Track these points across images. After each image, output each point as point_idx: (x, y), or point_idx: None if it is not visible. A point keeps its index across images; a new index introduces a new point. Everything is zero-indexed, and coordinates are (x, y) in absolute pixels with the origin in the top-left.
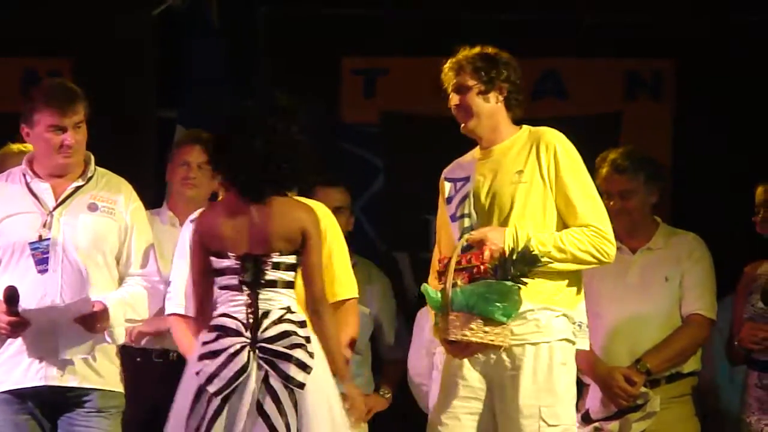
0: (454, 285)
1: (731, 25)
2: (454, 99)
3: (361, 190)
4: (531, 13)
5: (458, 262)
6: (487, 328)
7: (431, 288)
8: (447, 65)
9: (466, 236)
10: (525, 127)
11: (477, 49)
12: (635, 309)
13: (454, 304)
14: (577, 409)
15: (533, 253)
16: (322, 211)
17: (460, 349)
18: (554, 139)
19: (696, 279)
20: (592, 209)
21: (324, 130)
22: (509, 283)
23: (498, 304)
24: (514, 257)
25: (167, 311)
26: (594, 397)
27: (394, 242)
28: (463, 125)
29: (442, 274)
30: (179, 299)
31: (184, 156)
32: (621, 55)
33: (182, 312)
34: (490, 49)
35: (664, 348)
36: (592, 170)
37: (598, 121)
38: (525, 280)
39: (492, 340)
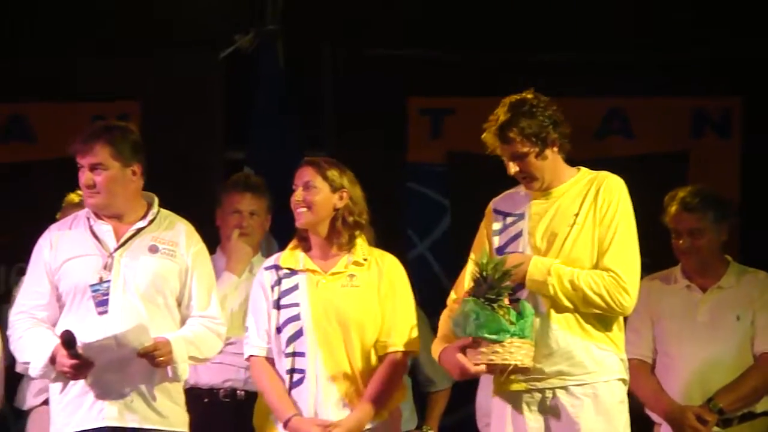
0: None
1: None
2: (512, 168)
3: (428, 229)
4: (596, 52)
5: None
6: (484, 349)
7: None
8: (490, 132)
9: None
10: (583, 170)
11: (509, 108)
12: (706, 348)
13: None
14: None
15: (498, 275)
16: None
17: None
18: (614, 183)
19: None
20: (621, 257)
21: (391, 170)
22: (471, 299)
23: (474, 322)
24: (484, 276)
25: (245, 354)
26: None
27: None
28: (526, 185)
29: None
30: (256, 341)
31: (236, 204)
32: (687, 93)
33: (261, 354)
34: (521, 102)
35: (737, 387)
36: (660, 210)
37: (665, 160)
38: (496, 297)
39: (495, 360)
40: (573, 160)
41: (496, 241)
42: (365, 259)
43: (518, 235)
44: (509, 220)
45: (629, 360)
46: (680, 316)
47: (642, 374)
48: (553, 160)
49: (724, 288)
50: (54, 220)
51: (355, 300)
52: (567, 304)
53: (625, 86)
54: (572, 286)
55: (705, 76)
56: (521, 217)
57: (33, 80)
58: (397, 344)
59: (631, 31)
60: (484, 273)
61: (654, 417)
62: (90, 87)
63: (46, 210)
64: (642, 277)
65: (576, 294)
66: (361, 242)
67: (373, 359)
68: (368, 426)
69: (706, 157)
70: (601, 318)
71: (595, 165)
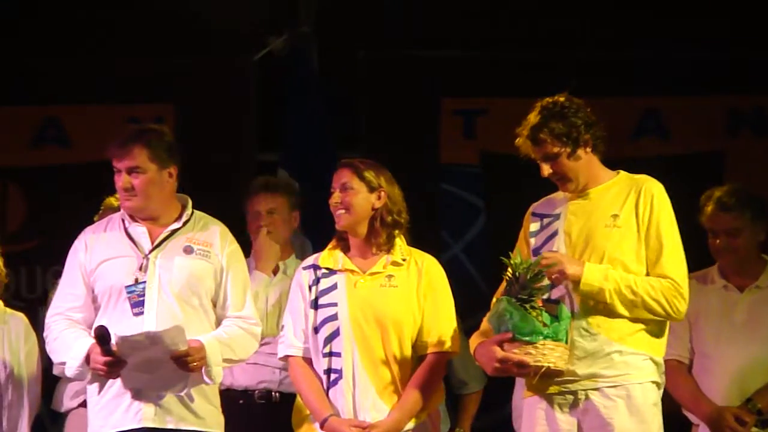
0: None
1: None
2: (546, 169)
3: (462, 230)
4: (631, 51)
5: None
6: (516, 350)
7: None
8: (522, 136)
9: (540, 257)
10: (622, 172)
11: (541, 111)
12: (744, 348)
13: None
14: None
15: (532, 274)
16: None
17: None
18: (655, 188)
19: None
20: (675, 263)
21: (424, 171)
22: (504, 298)
23: (508, 322)
24: (517, 276)
25: (280, 354)
26: None
27: (496, 282)
28: (561, 187)
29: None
30: (293, 341)
31: (255, 206)
32: (722, 92)
33: (298, 354)
34: (549, 104)
35: None
36: (696, 209)
37: (700, 160)
38: (528, 297)
39: (529, 361)
40: (609, 160)
41: (533, 242)
42: (404, 259)
43: (554, 235)
44: (546, 221)
45: (666, 361)
46: (718, 317)
47: (679, 375)
48: (587, 161)
49: (761, 287)
50: (89, 223)
51: (393, 300)
52: (622, 310)
53: (660, 86)
54: (631, 292)
55: (740, 74)
56: (557, 217)
57: (66, 83)
58: (437, 345)
59: (666, 30)
60: (517, 273)
61: (692, 418)
62: (123, 90)
63: (81, 213)
64: None
65: (635, 299)
66: (400, 242)
67: (412, 359)
68: (407, 427)
69: (743, 155)
70: (636, 321)
71: (631, 165)
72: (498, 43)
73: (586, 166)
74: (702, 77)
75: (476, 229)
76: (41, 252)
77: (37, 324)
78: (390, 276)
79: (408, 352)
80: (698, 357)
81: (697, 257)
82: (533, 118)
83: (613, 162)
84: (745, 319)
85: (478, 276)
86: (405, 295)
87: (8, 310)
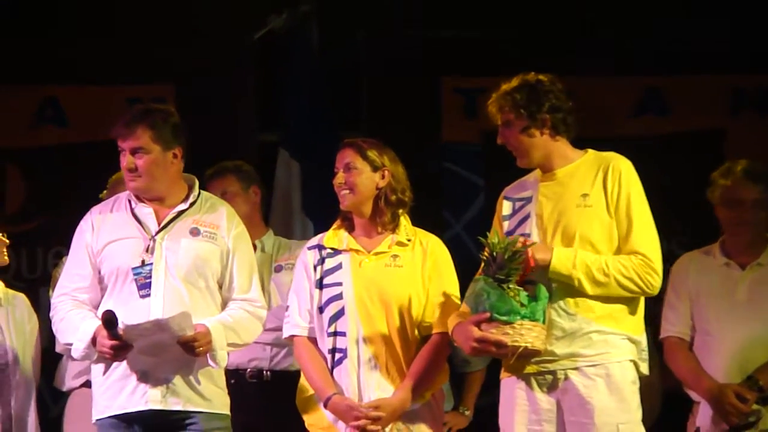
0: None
1: None
2: (499, 137)
3: (463, 209)
4: (633, 30)
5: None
6: (494, 330)
7: None
8: (490, 100)
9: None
10: (590, 151)
11: (516, 81)
12: (745, 325)
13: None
14: (688, 428)
15: (509, 254)
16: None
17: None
18: (622, 164)
19: None
20: (646, 238)
21: (425, 150)
22: (481, 278)
23: (485, 302)
24: (494, 256)
25: (285, 333)
26: (705, 415)
27: None
28: (518, 161)
29: None
30: (298, 320)
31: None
32: (725, 71)
33: (303, 333)
34: (531, 77)
35: None
36: (695, 186)
37: (702, 138)
38: (505, 277)
39: (506, 341)
40: (609, 138)
41: (506, 226)
42: (409, 240)
43: (526, 218)
44: (518, 204)
45: (667, 338)
46: (719, 294)
47: (680, 352)
48: (542, 141)
49: (763, 265)
50: (89, 203)
51: (398, 280)
52: (595, 293)
53: (662, 64)
54: (603, 274)
55: (743, 53)
56: (529, 200)
57: (65, 63)
58: (441, 325)
59: (668, 9)
60: (494, 253)
61: (693, 395)
62: (122, 70)
63: (80, 193)
64: (669, 255)
65: (607, 280)
66: (405, 222)
67: (416, 339)
68: (411, 407)
69: (744, 134)
70: (613, 300)
71: (632, 143)
72: (498, 22)
73: (541, 145)
74: (705, 56)
75: (476, 207)
76: (41, 232)
77: (38, 304)
78: (395, 256)
79: (412, 331)
80: (700, 335)
81: (696, 235)
82: (507, 84)
83: (614, 140)
84: (746, 296)
85: (479, 253)
86: (410, 275)
87: (10, 291)
